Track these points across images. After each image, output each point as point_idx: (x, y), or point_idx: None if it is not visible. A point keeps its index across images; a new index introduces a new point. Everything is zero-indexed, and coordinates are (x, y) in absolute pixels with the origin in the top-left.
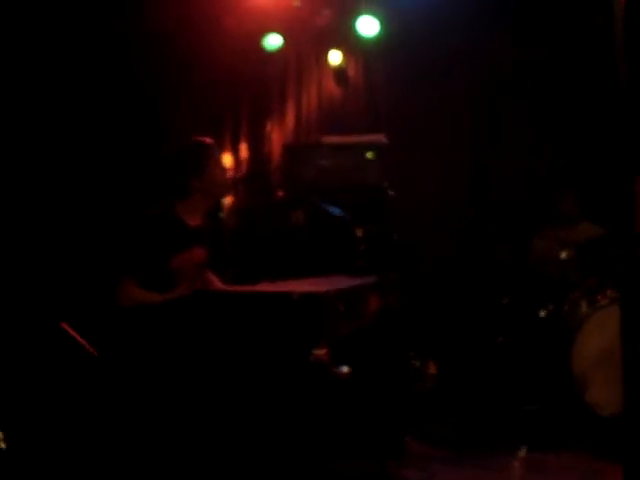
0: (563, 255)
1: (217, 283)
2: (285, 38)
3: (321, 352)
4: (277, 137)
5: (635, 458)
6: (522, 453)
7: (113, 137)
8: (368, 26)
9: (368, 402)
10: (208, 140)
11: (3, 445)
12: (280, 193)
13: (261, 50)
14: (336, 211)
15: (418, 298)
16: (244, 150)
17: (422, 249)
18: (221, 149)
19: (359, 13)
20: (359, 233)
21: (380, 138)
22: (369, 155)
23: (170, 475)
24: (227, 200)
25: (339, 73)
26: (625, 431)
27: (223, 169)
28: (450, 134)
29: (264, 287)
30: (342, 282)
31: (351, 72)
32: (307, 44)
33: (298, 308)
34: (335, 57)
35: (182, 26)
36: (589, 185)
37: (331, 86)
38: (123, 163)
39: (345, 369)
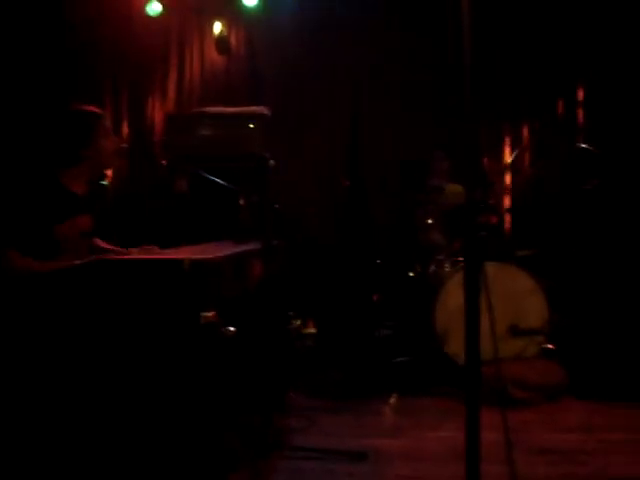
0: (429, 221)
1: (106, 246)
2: (165, 6)
3: (210, 314)
4: (159, 106)
5: (473, 398)
6: (393, 399)
7: None
8: None
9: (253, 360)
10: (95, 108)
11: None
12: (163, 162)
13: (144, 16)
14: (218, 180)
15: (299, 263)
16: (125, 118)
17: (303, 217)
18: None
19: None
20: (242, 201)
21: (262, 109)
22: (251, 125)
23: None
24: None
25: (221, 42)
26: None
27: (112, 140)
28: (329, 104)
29: (154, 253)
30: (228, 248)
31: (233, 41)
32: (189, 13)
33: (189, 274)
34: (217, 26)
35: None
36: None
37: (213, 55)
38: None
39: (232, 329)
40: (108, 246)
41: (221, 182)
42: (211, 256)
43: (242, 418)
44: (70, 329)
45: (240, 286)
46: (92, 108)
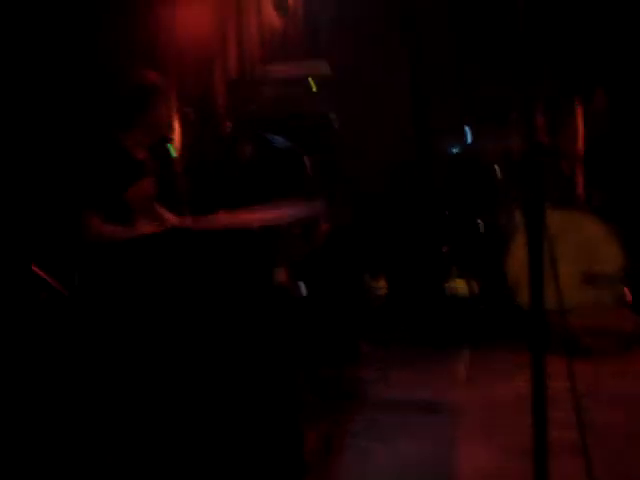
0: (497, 169)
1: (168, 215)
2: None
3: (282, 274)
4: (220, 69)
5: (540, 347)
6: (465, 351)
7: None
8: None
9: (325, 314)
10: (156, 76)
11: None
12: (227, 126)
13: None
14: (283, 142)
15: (367, 218)
16: (188, 84)
17: (369, 172)
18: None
19: None
20: (306, 161)
21: (323, 65)
22: (314, 87)
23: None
24: (175, 134)
25: (279, 2)
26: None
27: (168, 108)
28: (390, 66)
29: (224, 218)
30: (295, 208)
31: (291, 5)
32: None
33: (259, 238)
34: None
35: None
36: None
37: (271, 15)
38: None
39: (303, 286)
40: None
41: (285, 144)
42: (280, 218)
43: (317, 370)
44: (156, 291)
45: (310, 244)
46: (152, 74)
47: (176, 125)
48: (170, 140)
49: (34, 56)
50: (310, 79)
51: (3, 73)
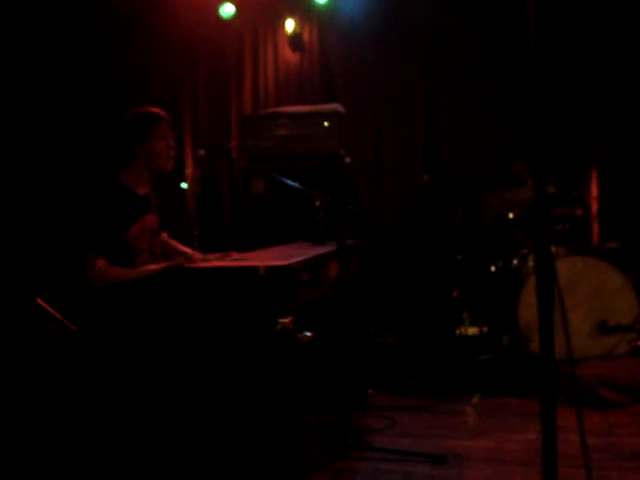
0: (510, 215)
1: (180, 247)
2: (238, 7)
3: (286, 320)
4: (235, 107)
5: (550, 397)
6: (476, 399)
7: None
8: None
9: (331, 361)
10: (155, 109)
11: None
12: (240, 163)
13: (218, 19)
14: (292, 183)
15: (378, 262)
16: (203, 121)
17: (381, 214)
18: (175, 121)
19: None
20: (317, 202)
21: (336, 107)
22: (326, 124)
23: (151, 445)
24: (190, 170)
25: (294, 40)
26: (542, 374)
27: (167, 141)
28: (404, 101)
29: (232, 260)
30: (304, 251)
31: (306, 39)
32: (261, 12)
33: (264, 281)
34: (290, 24)
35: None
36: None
37: (287, 54)
38: (81, 133)
39: (308, 334)
40: (183, 248)
41: (295, 185)
42: (286, 262)
43: (322, 418)
44: (151, 335)
45: (316, 289)
46: (152, 109)
47: (188, 161)
48: (184, 179)
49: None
50: (323, 118)
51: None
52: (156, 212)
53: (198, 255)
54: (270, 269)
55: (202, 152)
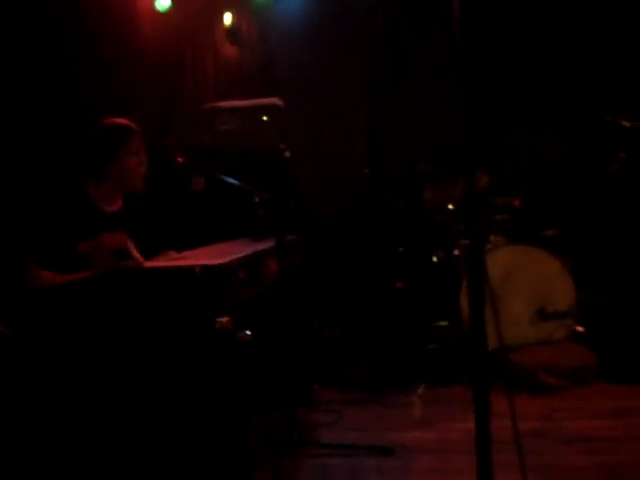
0: (450, 206)
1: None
2: (173, 0)
3: (224, 320)
4: (176, 102)
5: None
6: (421, 390)
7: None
8: None
9: (275, 357)
10: (127, 123)
11: None
12: (179, 160)
13: (154, 12)
14: (232, 179)
15: (322, 256)
16: (144, 117)
17: (322, 208)
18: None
19: None
20: (256, 198)
21: (275, 100)
22: (265, 118)
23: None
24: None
25: (233, 35)
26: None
27: (139, 157)
28: (346, 95)
29: (169, 260)
30: (243, 248)
31: (245, 33)
32: (198, 6)
33: (200, 281)
34: (228, 17)
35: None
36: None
37: (226, 48)
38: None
39: (248, 332)
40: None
41: (232, 181)
42: (222, 260)
43: (268, 416)
44: (87, 338)
45: (255, 286)
46: (124, 122)
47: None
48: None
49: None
50: (262, 112)
51: None
52: (126, 230)
53: (137, 258)
54: (206, 268)
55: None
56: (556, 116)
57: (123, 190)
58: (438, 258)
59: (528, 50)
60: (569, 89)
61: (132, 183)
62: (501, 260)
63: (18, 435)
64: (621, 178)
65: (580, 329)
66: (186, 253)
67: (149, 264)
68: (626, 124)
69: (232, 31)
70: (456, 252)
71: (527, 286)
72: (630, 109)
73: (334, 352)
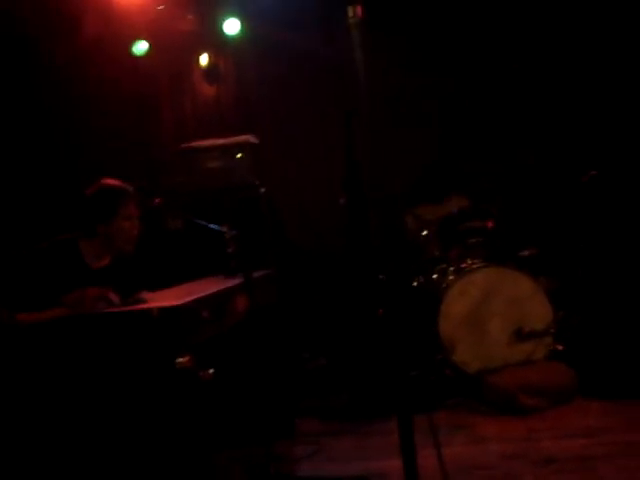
0: (424, 232)
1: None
2: (151, 44)
3: (184, 360)
4: (155, 144)
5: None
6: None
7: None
8: (233, 27)
9: (250, 393)
10: (124, 186)
11: None
12: (157, 200)
13: (130, 57)
14: (202, 220)
15: (300, 287)
16: (123, 159)
17: (302, 238)
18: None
19: (224, 15)
20: (228, 235)
21: (249, 138)
22: (239, 155)
23: None
24: None
25: (210, 74)
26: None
27: (132, 222)
28: (322, 128)
29: (135, 302)
30: (211, 287)
31: (222, 72)
32: (175, 48)
33: (159, 322)
34: (204, 58)
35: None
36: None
37: (204, 88)
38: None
39: (210, 371)
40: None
41: (204, 223)
42: (180, 302)
43: (248, 450)
44: (51, 378)
45: (221, 324)
46: (121, 185)
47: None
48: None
49: None
50: (236, 150)
51: None
52: (113, 286)
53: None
54: (163, 310)
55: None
56: (528, 134)
57: (112, 249)
58: (418, 283)
59: (500, 71)
60: (541, 108)
61: (122, 245)
62: (478, 282)
63: None
64: (593, 194)
65: (559, 347)
66: (157, 294)
67: (110, 309)
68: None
69: (209, 71)
70: (435, 277)
71: (504, 307)
72: (601, 127)
73: (318, 382)
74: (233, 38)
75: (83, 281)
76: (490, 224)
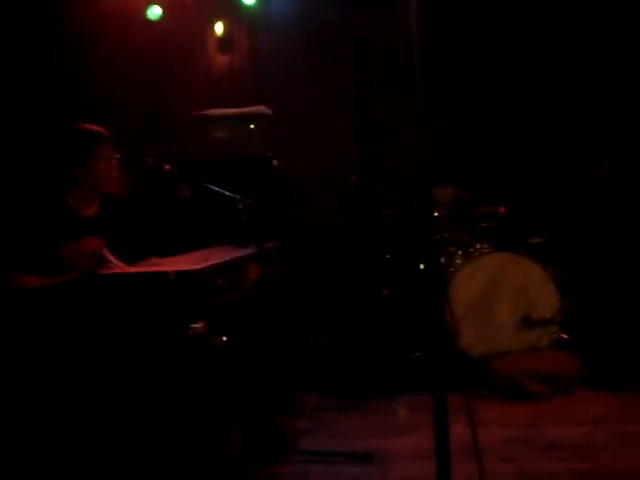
0: (435, 214)
1: (113, 261)
2: (165, 9)
3: (198, 325)
4: (167, 110)
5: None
6: (403, 397)
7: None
8: None
9: (257, 364)
10: (96, 129)
11: None
12: (167, 167)
13: (146, 22)
14: (218, 188)
15: (307, 262)
16: (134, 125)
17: (310, 215)
18: (106, 126)
19: None
20: (240, 205)
21: (262, 108)
22: (252, 126)
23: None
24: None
25: (224, 43)
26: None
27: (109, 163)
28: (335, 102)
29: (148, 266)
30: (224, 255)
31: (236, 41)
32: (190, 15)
33: (174, 286)
34: (219, 26)
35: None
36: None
37: (217, 56)
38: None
39: (223, 338)
40: (111, 257)
41: (215, 188)
42: (197, 266)
43: (250, 422)
44: (62, 343)
45: (235, 292)
46: (93, 127)
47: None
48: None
49: None
50: (249, 120)
51: None
52: (104, 234)
53: (118, 263)
54: (180, 274)
55: (118, 156)
56: (543, 124)
57: (97, 194)
58: (425, 266)
59: (515, 61)
60: (556, 98)
61: (105, 187)
62: (486, 267)
63: None
64: (605, 186)
65: (565, 336)
66: (167, 259)
67: (125, 270)
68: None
69: (223, 40)
70: (443, 259)
71: (512, 294)
72: (616, 118)
73: (320, 358)
74: (249, 7)
75: (75, 230)
76: (502, 210)
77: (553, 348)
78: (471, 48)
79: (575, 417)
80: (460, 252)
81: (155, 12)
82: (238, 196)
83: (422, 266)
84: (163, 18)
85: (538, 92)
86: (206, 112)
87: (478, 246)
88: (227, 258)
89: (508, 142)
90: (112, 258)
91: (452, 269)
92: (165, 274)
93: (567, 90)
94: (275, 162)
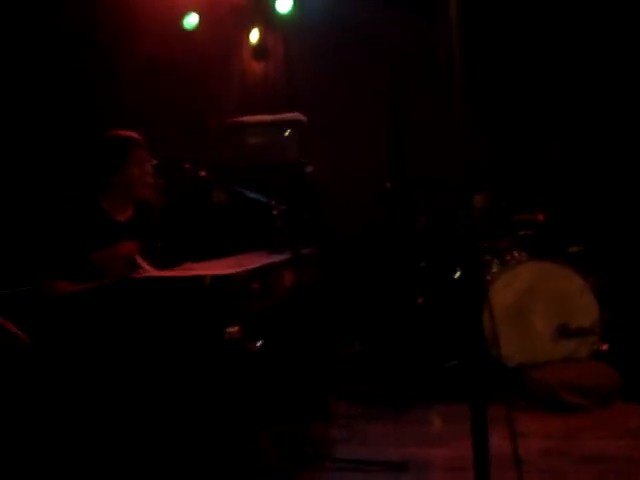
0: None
1: (146, 267)
2: (202, 18)
3: (233, 330)
4: (201, 117)
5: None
6: (438, 406)
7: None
8: (286, 4)
9: (290, 370)
10: (130, 134)
11: None
12: (202, 173)
13: (181, 30)
14: (253, 194)
15: (343, 270)
16: (169, 132)
17: (344, 222)
18: (141, 133)
19: None
20: (275, 211)
21: (297, 115)
22: (287, 133)
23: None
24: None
25: (258, 50)
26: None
27: (144, 169)
28: (369, 109)
29: (183, 270)
30: (258, 260)
31: (270, 49)
32: (225, 23)
33: (209, 291)
34: (254, 34)
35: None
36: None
37: (252, 64)
38: (54, 155)
39: (257, 343)
40: (143, 264)
41: (250, 194)
42: (233, 271)
43: (284, 429)
44: (100, 345)
45: (270, 298)
46: (127, 134)
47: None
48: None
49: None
50: (284, 127)
51: None
52: (138, 238)
53: (151, 269)
54: (216, 279)
55: (154, 162)
56: (582, 131)
57: (131, 199)
58: (460, 275)
59: (554, 63)
60: (596, 105)
61: (138, 192)
62: (524, 276)
63: (34, 438)
64: None
65: (603, 347)
66: (202, 264)
67: (161, 273)
68: None
69: (258, 47)
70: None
71: (549, 302)
72: None
73: (354, 367)
74: (284, 15)
75: (111, 236)
76: (541, 217)
77: (591, 359)
78: (509, 56)
79: (613, 430)
80: (497, 260)
81: (191, 21)
82: (273, 202)
83: (457, 274)
84: (198, 27)
85: (578, 98)
86: (242, 119)
87: (515, 254)
88: (263, 263)
89: (546, 149)
90: (144, 264)
91: (488, 277)
92: (201, 278)
93: (609, 97)
94: (309, 168)
